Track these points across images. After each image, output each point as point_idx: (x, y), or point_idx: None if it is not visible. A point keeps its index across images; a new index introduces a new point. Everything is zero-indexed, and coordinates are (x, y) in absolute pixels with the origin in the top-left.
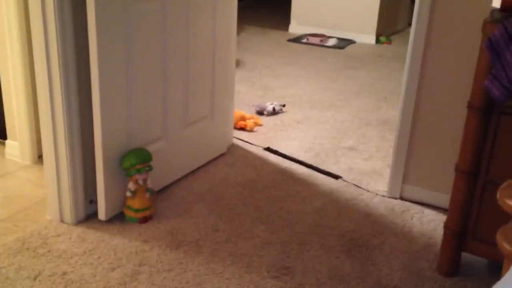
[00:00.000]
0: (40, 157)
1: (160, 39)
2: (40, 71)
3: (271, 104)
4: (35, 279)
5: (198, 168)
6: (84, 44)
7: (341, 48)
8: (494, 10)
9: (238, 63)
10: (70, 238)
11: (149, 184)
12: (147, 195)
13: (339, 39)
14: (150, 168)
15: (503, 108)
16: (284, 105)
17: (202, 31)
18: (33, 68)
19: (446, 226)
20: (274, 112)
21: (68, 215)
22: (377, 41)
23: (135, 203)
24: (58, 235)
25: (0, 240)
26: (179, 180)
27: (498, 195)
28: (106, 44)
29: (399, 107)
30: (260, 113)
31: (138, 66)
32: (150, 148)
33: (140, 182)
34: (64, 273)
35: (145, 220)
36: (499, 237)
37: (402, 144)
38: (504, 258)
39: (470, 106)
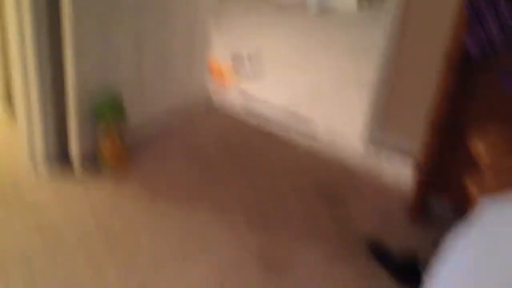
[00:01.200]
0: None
1: None
2: (11, 23)
3: (245, 53)
4: (9, 230)
5: (176, 122)
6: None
7: (322, 10)
8: None
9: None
10: (44, 190)
11: (123, 136)
12: (121, 146)
13: None
14: (124, 117)
15: (477, 64)
16: (256, 54)
17: None
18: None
19: (415, 173)
20: (252, 75)
21: (42, 167)
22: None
23: (109, 154)
24: (32, 187)
25: None
26: (156, 134)
27: (468, 140)
28: None
29: (380, 55)
30: (234, 62)
31: (113, 8)
32: (126, 99)
33: (114, 131)
34: (39, 225)
35: (118, 171)
36: (468, 182)
37: (379, 91)
38: (470, 202)
39: (446, 59)
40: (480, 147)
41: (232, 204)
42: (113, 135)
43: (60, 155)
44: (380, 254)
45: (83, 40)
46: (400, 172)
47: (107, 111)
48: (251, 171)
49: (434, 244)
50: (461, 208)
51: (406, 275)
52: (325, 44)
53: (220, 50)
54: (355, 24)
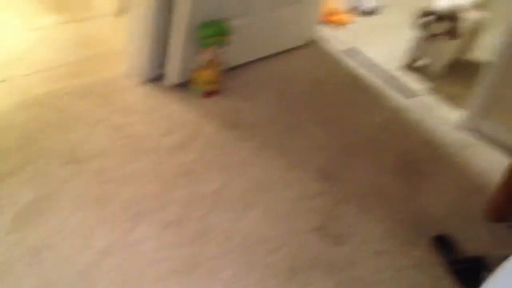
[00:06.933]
0: None
1: None
2: None
3: (371, 2)
4: (94, 125)
5: (275, 55)
6: None
7: None
8: None
9: None
10: (136, 95)
11: (221, 59)
12: (217, 69)
13: None
14: (226, 43)
15: None
16: (383, 6)
17: None
18: None
19: (507, 170)
20: (371, 12)
21: (140, 71)
22: None
23: (204, 76)
24: (126, 89)
25: (71, 81)
26: (252, 62)
27: None
28: None
29: (504, 34)
30: (356, 9)
31: None
32: (233, 23)
33: (213, 55)
34: (122, 127)
35: (209, 93)
36: None
37: (493, 74)
38: None
39: None
40: None
41: (305, 156)
42: (213, 61)
43: (159, 64)
44: (444, 245)
45: None
46: (492, 166)
47: (212, 33)
48: (333, 126)
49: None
50: None
51: (466, 276)
52: None
53: None
54: None
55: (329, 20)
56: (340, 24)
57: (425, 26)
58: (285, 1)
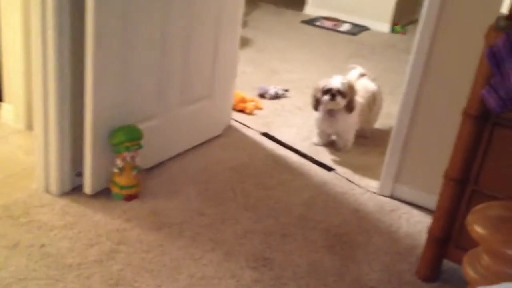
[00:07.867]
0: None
1: (161, 12)
2: (35, 37)
3: (274, 88)
4: (12, 248)
5: (192, 148)
6: (81, 14)
7: (354, 34)
8: (500, 17)
9: (247, 42)
10: (53, 210)
11: (138, 162)
12: (134, 173)
13: (353, 24)
14: (140, 146)
15: (498, 119)
16: (287, 90)
17: (206, 7)
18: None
19: (429, 231)
20: (276, 96)
21: (54, 186)
22: (392, 30)
23: (122, 180)
24: (42, 206)
25: None
26: (171, 159)
27: (467, 220)
28: (103, 15)
29: (399, 103)
30: (262, 96)
31: (136, 40)
32: (144, 125)
33: (128, 159)
34: (42, 245)
35: (130, 197)
36: (464, 262)
37: (398, 142)
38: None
39: (465, 113)
40: (479, 231)
41: (238, 244)
42: (129, 165)
43: (73, 175)
44: None
45: (105, 75)
46: (416, 227)
47: (123, 139)
48: (261, 209)
49: None
50: None
51: None
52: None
53: (246, 78)
54: (385, 52)
55: (241, 107)
56: (251, 110)
57: (323, 104)
58: (195, 97)
